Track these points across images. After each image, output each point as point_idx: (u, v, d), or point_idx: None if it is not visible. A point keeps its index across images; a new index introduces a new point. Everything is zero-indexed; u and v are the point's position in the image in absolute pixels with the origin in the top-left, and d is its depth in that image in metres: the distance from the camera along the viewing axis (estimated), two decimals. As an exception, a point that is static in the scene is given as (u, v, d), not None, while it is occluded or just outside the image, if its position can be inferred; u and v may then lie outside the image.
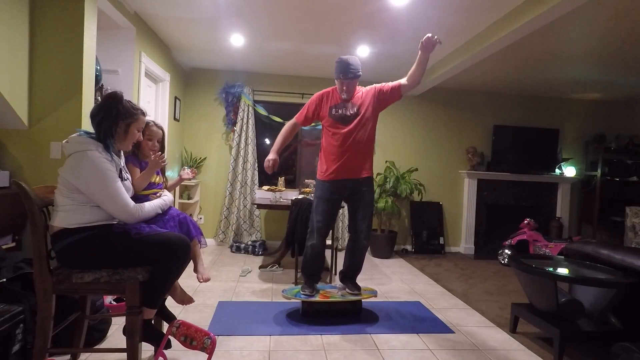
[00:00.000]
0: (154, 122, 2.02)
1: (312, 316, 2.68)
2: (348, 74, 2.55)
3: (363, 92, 2.70)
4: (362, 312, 2.80)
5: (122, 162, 1.81)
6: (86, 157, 1.58)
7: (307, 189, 4.14)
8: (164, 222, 1.84)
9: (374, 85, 2.73)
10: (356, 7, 2.98)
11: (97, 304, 2.16)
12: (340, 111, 2.64)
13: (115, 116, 1.66)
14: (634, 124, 5.67)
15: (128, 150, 1.87)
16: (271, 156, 2.71)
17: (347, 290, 2.77)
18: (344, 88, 2.62)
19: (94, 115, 1.67)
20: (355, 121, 2.61)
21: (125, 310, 1.65)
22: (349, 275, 2.81)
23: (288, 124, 2.83)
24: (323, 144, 2.73)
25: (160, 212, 1.86)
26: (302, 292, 2.69)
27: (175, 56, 4.49)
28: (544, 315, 2.39)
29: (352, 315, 2.74)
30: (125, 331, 1.69)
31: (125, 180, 1.75)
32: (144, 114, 1.78)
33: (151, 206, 1.79)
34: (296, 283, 3.40)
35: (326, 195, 2.64)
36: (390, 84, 2.67)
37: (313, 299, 2.66)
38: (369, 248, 3.08)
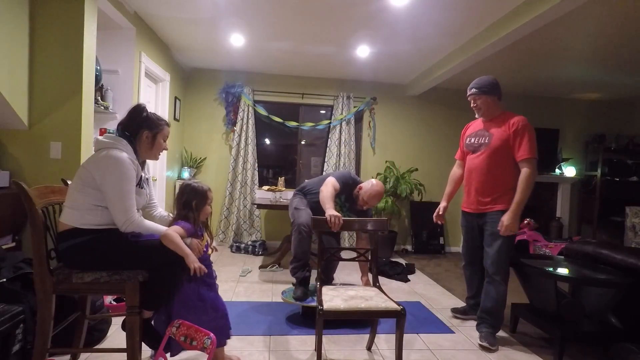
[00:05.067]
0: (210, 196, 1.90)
1: (311, 317, 2.68)
2: (470, 88, 2.54)
3: (509, 121, 2.45)
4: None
5: (144, 173, 1.84)
6: (113, 152, 1.63)
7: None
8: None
9: (521, 122, 2.43)
10: (356, 7, 2.98)
11: (97, 304, 2.17)
12: (473, 140, 2.59)
13: (139, 123, 1.76)
14: (634, 124, 5.67)
15: (155, 160, 1.90)
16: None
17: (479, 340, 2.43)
18: (471, 104, 2.58)
19: (121, 124, 1.77)
20: (484, 150, 2.48)
21: (125, 310, 1.65)
22: (482, 318, 2.50)
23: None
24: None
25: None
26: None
27: (175, 56, 4.49)
28: (544, 315, 2.39)
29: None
30: (124, 325, 1.69)
31: (142, 188, 1.79)
32: (167, 124, 1.87)
33: (150, 226, 1.70)
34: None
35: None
36: (519, 147, 2.39)
37: (311, 304, 2.61)
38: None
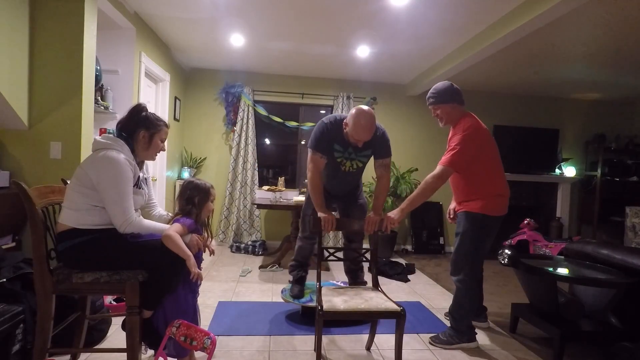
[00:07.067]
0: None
1: (311, 316, 2.68)
2: (428, 98, 2.48)
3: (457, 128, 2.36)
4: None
5: (142, 173, 1.83)
6: (110, 153, 1.62)
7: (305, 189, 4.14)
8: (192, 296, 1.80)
9: (460, 132, 2.31)
10: (356, 7, 2.98)
11: (97, 304, 2.17)
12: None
13: (137, 123, 1.74)
14: (634, 124, 5.67)
15: (152, 160, 1.90)
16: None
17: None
18: (432, 114, 2.51)
19: (119, 122, 1.76)
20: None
21: (125, 310, 1.65)
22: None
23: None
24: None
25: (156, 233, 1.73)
26: None
27: (175, 56, 4.49)
28: (544, 315, 2.39)
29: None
30: (124, 325, 1.69)
31: (141, 189, 1.78)
32: (166, 125, 1.86)
33: (150, 225, 1.70)
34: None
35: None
36: (445, 153, 2.35)
37: (311, 304, 2.60)
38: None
